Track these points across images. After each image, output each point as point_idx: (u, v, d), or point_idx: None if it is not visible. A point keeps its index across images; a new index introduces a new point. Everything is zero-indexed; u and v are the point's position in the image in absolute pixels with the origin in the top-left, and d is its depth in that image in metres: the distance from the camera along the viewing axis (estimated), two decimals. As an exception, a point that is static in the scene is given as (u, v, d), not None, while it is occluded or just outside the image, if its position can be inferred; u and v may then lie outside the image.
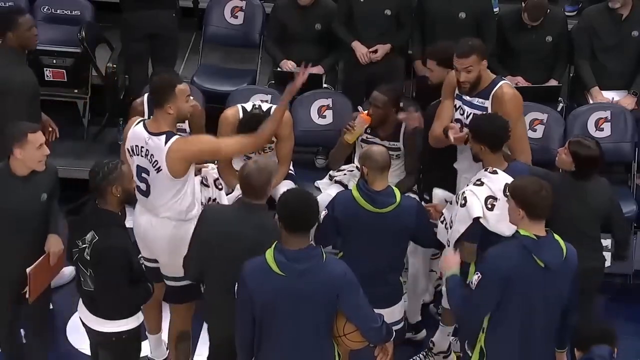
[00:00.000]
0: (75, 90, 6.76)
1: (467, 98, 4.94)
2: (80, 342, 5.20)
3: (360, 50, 6.20)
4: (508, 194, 4.15)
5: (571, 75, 6.47)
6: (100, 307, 4.44)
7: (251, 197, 4.33)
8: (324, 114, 6.18)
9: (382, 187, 4.63)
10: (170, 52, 6.53)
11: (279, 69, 6.37)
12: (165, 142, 4.55)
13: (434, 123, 5.13)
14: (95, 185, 4.35)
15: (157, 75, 4.82)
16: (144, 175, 4.65)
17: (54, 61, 6.59)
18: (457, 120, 5.00)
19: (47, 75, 6.59)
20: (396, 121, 5.52)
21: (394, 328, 4.56)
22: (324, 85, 6.33)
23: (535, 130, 5.99)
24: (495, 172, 4.58)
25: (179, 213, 4.69)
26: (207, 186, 5.06)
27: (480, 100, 4.92)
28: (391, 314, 4.73)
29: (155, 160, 4.58)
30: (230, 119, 5.40)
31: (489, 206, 4.53)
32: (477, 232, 4.50)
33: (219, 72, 6.81)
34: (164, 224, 4.71)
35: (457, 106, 5.00)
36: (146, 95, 5.31)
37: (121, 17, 6.57)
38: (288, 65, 6.35)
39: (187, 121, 5.32)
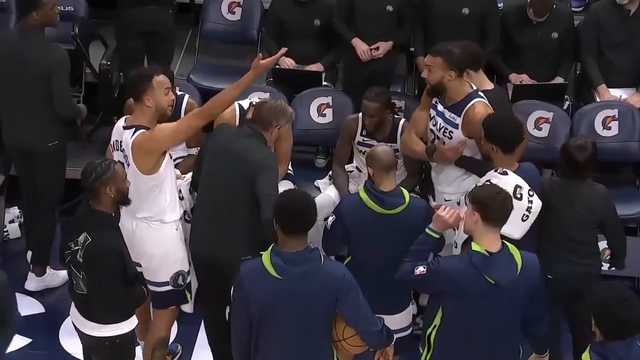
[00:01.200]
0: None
1: (441, 108, 4.85)
2: (73, 346, 5.15)
3: (360, 47, 6.15)
4: (467, 200, 4.15)
5: (577, 72, 6.46)
6: (93, 310, 4.41)
7: (255, 124, 4.75)
8: (323, 113, 6.16)
9: (390, 187, 4.60)
10: (166, 49, 6.52)
11: (277, 67, 6.33)
12: (132, 135, 4.58)
13: (406, 131, 5.07)
14: (88, 185, 4.31)
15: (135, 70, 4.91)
16: None
17: None
18: (431, 131, 4.91)
19: None
20: (391, 123, 5.50)
21: (402, 335, 4.59)
22: (324, 83, 6.32)
23: (540, 129, 5.98)
24: (505, 173, 4.52)
25: (156, 214, 4.67)
26: (181, 199, 4.99)
27: (453, 115, 4.83)
28: (399, 321, 4.73)
29: (126, 155, 4.62)
30: (226, 116, 5.33)
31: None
32: None
33: (216, 69, 6.80)
34: (142, 226, 4.68)
35: (432, 116, 4.92)
36: None
37: (116, 13, 6.56)
38: (286, 62, 6.32)
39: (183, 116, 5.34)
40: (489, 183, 4.48)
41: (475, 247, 4.05)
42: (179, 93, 5.55)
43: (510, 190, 4.38)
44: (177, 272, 4.77)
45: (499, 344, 4.15)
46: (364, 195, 4.60)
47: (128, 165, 4.61)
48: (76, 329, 4.52)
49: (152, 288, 4.78)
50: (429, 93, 4.89)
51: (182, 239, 4.81)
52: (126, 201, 4.41)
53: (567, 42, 6.22)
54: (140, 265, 4.81)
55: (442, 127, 4.86)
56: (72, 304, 4.50)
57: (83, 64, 6.65)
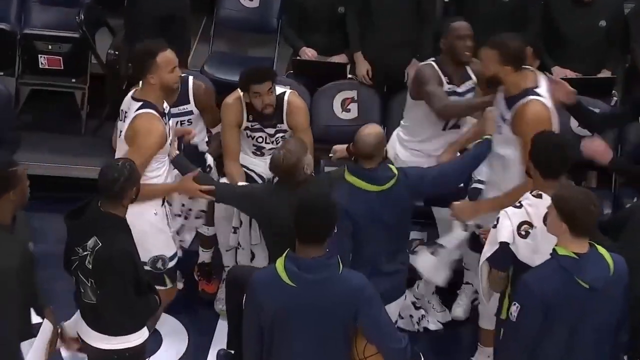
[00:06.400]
0: (73, 80, 6.79)
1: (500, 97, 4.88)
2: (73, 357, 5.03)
3: (361, 71, 6.11)
4: (551, 203, 4.07)
5: (627, 65, 6.38)
6: (101, 320, 4.41)
7: (289, 177, 4.88)
8: (348, 108, 6.14)
9: (374, 164, 4.76)
10: (182, 35, 6.37)
11: (298, 58, 6.33)
12: (136, 110, 4.73)
13: None
14: (115, 189, 4.31)
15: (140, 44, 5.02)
16: None
17: (50, 47, 6.65)
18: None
19: (41, 63, 6.67)
20: None
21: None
22: (349, 76, 6.27)
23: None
24: (539, 197, 4.38)
25: None
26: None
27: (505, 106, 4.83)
28: (394, 310, 4.86)
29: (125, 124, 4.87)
30: (233, 106, 5.43)
31: (522, 232, 4.40)
32: (503, 259, 4.43)
33: (232, 60, 6.76)
34: None
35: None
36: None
37: None
38: (307, 53, 6.31)
39: (192, 101, 5.48)
40: (519, 204, 4.41)
41: (561, 251, 3.99)
42: (183, 75, 5.50)
43: (541, 215, 4.32)
44: (156, 256, 4.87)
45: (596, 354, 4.11)
46: (352, 179, 4.71)
47: (121, 133, 4.85)
48: (81, 340, 4.49)
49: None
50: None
51: (164, 223, 4.92)
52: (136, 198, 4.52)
53: (616, 32, 6.14)
54: None
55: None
56: (78, 313, 4.48)
57: (89, 53, 6.68)
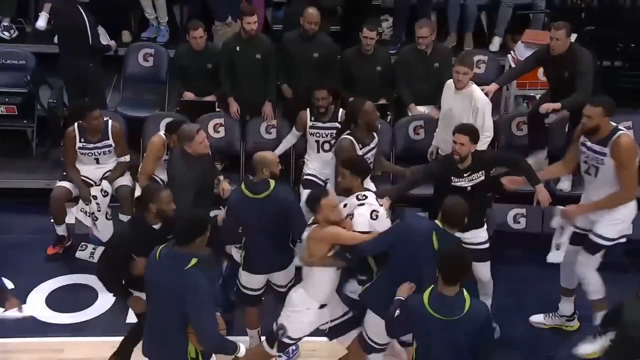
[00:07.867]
0: (25, 121, 7.70)
1: (589, 144, 5.73)
2: (38, 308, 6.34)
3: (232, 110, 7.24)
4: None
5: (395, 95, 7.58)
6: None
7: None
8: (218, 130, 7.33)
9: (257, 179, 5.56)
10: (94, 90, 7.56)
11: (182, 99, 7.47)
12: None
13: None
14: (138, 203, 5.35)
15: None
16: None
17: (7, 99, 7.59)
18: (584, 162, 5.83)
19: (1, 111, 7.58)
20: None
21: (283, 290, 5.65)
22: (217, 109, 7.44)
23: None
24: (365, 197, 5.51)
25: None
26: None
27: (599, 146, 5.64)
28: (285, 276, 5.65)
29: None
30: (157, 144, 6.54)
31: (374, 217, 5.45)
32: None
33: (136, 102, 7.74)
34: None
35: (582, 150, 5.79)
36: (76, 123, 6.62)
37: (58, 64, 7.62)
38: (188, 96, 7.45)
39: (110, 137, 6.73)
40: (362, 203, 5.43)
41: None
42: (105, 119, 6.68)
43: (375, 203, 5.44)
44: None
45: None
46: (242, 186, 5.52)
47: None
48: None
49: None
50: (589, 135, 5.63)
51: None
52: (166, 218, 5.24)
53: (387, 74, 7.41)
54: None
55: (593, 157, 5.68)
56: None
57: (35, 102, 7.67)
